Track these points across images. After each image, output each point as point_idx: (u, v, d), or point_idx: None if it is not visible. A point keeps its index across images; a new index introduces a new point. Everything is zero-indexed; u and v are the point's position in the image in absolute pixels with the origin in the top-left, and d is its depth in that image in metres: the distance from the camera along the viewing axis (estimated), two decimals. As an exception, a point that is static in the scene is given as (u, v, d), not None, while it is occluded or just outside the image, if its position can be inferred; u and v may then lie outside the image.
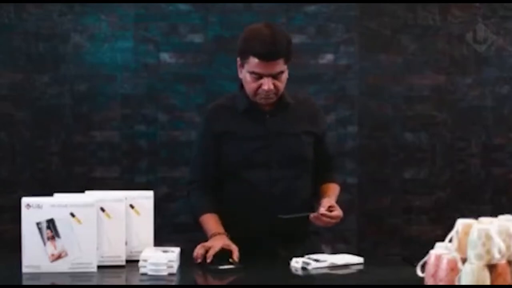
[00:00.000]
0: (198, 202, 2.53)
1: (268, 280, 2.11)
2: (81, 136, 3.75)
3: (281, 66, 2.39)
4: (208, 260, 2.22)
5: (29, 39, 3.71)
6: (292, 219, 2.38)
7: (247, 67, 2.40)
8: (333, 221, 2.41)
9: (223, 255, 2.25)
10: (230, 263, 2.20)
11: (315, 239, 2.62)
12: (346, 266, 2.28)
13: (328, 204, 2.42)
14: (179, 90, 3.77)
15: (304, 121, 2.54)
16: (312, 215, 2.40)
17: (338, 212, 2.43)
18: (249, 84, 2.42)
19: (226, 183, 2.53)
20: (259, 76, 2.39)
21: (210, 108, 2.59)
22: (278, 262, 2.30)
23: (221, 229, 2.41)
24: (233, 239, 2.35)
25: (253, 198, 2.46)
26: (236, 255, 2.27)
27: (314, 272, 2.21)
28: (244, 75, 2.43)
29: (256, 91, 2.42)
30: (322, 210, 2.39)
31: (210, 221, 2.45)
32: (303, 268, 2.21)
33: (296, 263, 2.23)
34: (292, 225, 2.43)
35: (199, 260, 2.24)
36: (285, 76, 2.44)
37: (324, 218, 2.39)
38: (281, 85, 2.43)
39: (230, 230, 2.40)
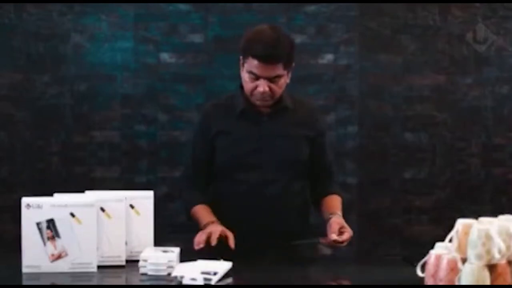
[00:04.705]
0: (189, 196, 2.57)
1: (271, 280, 2.11)
2: (81, 136, 3.75)
3: (279, 70, 2.38)
4: (213, 243, 2.27)
5: (29, 39, 3.71)
6: (303, 242, 2.42)
7: (246, 66, 2.40)
8: (344, 243, 2.37)
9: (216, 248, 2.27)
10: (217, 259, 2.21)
11: (311, 241, 2.60)
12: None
13: (338, 227, 2.37)
14: (179, 90, 3.77)
15: (301, 125, 2.52)
16: (321, 240, 2.39)
17: (348, 233, 2.37)
18: (247, 83, 2.42)
19: (220, 183, 2.54)
20: (256, 77, 2.38)
21: (207, 106, 2.61)
22: (275, 263, 2.30)
23: (213, 218, 2.45)
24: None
25: (245, 199, 2.47)
26: (232, 241, 2.31)
27: (312, 271, 2.21)
28: (243, 73, 2.43)
29: (252, 92, 2.42)
30: (333, 236, 2.33)
31: (203, 212, 2.49)
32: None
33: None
34: (285, 226, 2.43)
35: (201, 245, 2.28)
36: (283, 80, 2.42)
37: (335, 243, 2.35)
38: (278, 89, 2.42)
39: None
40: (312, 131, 2.54)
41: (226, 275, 2.04)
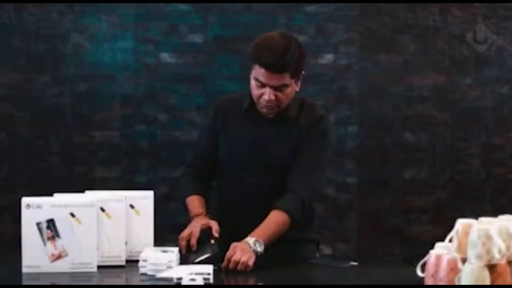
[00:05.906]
0: (187, 185, 2.56)
1: (271, 280, 2.11)
2: (81, 136, 3.75)
3: (286, 79, 2.33)
4: (194, 249, 2.22)
5: (29, 39, 3.71)
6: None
7: (253, 73, 2.36)
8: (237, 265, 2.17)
9: (205, 240, 2.26)
10: (212, 244, 2.22)
11: (308, 246, 2.55)
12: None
13: (231, 253, 2.18)
14: (179, 90, 3.77)
15: (299, 131, 2.43)
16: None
17: (239, 255, 2.17)
18: (254, 89, 2.39)
19: (221, 181, 2.55)
20: (262, 85, 2.36)
21: (219, 100, 2.58)
22: (275, 263, 2.29)
23: (201, 210, 2.43)
24: (223, 238, 2.33)
25: (242, 199, 2.46)
26: (215, 229, 2.28)
27: (312, 271, 2.21)
28: (251, 79, 2.40)
29: (258, 99, 2.40)
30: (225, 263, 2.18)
31: (194, 202, 2.48)
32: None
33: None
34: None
35: (183, 252, 2.24)
36: (291, 89, 2.36)
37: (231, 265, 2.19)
38: (284, 98, 2.36)
39: (221, 229, 2.36)
40: (302, 134, 2.44)
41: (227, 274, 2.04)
